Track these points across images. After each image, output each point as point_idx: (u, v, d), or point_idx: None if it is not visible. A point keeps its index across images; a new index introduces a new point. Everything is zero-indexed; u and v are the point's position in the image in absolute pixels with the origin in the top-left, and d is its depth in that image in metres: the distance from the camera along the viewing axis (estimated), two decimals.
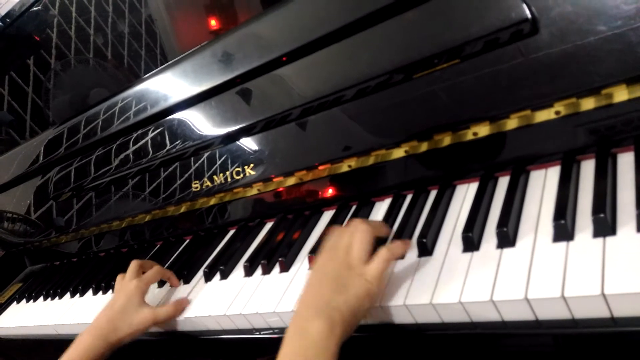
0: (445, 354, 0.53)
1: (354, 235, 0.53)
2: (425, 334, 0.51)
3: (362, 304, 0.49)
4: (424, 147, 0.63)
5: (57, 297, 1.01)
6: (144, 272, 0.77)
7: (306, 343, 0.46)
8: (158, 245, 0.99)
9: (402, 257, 0.56)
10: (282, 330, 0.62)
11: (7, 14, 1.04)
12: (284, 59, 0.72)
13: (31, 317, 1.01)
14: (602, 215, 0.45)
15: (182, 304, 0.72)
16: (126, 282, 0.74)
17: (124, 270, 0.92)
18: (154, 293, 0.81)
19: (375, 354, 0.57)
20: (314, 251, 0.65)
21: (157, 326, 0.73)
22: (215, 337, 0.69)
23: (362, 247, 0.52)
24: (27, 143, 1.14)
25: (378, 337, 0.54)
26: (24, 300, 1.10)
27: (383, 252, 0.52)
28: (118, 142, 0.96)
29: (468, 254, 0.52)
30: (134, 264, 0.77)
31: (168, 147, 0.88)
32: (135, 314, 0.70)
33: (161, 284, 0.82)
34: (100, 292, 0.92)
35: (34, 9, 1.01)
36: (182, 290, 0.77)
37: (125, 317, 0.69)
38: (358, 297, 0.49)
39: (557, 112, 0.54)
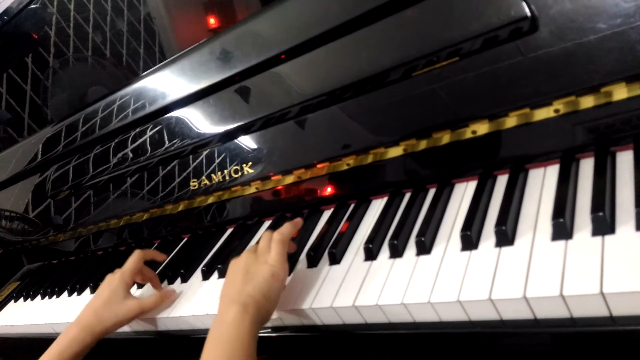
0: (443, 353, 0.52)
1: (261, 238, 0.63)
2: (423, 333, 0.51)
3: (271, 285, 0.56)
4: (422, 145, 0.63)
5: (54, 296, 1.01)
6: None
7: (223, 328, 0.52)
8: (156, 244, 0.99)
9: (295, 235, 0.65)
10: (279, 328, 0.62)
11: (5, 12, 1.03)
12: (283, 56, 0.72)
13: (28, 315, 1.00)
14: (601, 213, 0.45)
15: (168, 294, 0.74)
16: (113, 275, 0.75)
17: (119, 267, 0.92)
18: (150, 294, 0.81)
19: (375, 353, 0.57)
20: (312, 249, 0.65)
21: (148, 323, 0.73)
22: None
23: (264, 241, 0.62)
24: (25, 141, 1.14)
25: (377, 336, 0.54)
26: (22, 299, 1.10)
27: (275, 236, 0.61)
28: (116, 140, 0.95)
29: (466, 253, 0.52)
30: (134, 254, 0.77)
31: (166, 145, 0.87)
32: (121, 305, 0.71)
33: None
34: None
35: (32, 6, 1.01)
36: (180, 289, 0.77)
37: (111, 308, 0.71)
38: (265, 280, 0.56)
39: (556, 111, 0.54)
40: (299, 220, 0.66)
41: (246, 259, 0.60)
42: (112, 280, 0.74)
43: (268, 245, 0.61)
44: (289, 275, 0.64)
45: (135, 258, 0.76)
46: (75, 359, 0.69)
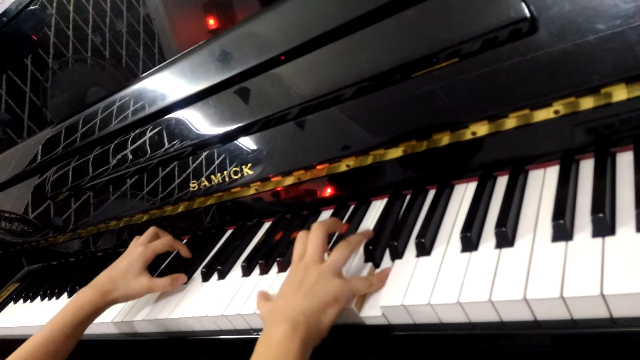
0: (443, 355, 0.52)
1: (308, 239, 0.56)
2: (422, 335, 0.51)
3: (329, 309, 0.50)
4: (422, 146, 0.63)
5: (54, 297, 1.01)
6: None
7: (270, 346, 0.48)
8: None
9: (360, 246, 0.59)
10: None
11: (4, 13, 1.03)
12: (282, 57, 0.72)
13: (28, 317, 1.00)
14: (601, 214, 0.45)
15: (179, 279, 0.75)
16: (134, 246, 0.77)
17: None
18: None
19: (373, 355, 0.57)
20: None
21: (148, 324, 0.74)
22: (213, 337, 0.68)
23: (314, 248, 0.55)
24: (24, 142, 1.14)
25: (375, 338, 0.54)
26: (21, 300, 1.10)
27: (339, 245, 0.54)
28: (116, 142, 0.95)
29: (466, 254, 0.52)
30: (151, 230, 0.80)
31: (166, 147, 0.87)
32: (134, 279, 0.73)
33: None
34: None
35: (31, 7, 1.01)
36: (180, 290, 0.77)
37: (125, 279, 0.73)
38: (323, 302, 0.50)
39: (556, 112, 0.54)
40: (369, 231, 0.60)
41: (300, 273, 0.53)
42: (133, 252, 0.75)
43: (317, 251, 0.54)
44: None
45: (165, 242, 0.78)
46: (86, 320, 0.71)
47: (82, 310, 0.70)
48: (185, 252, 0.82)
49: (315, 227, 0.57)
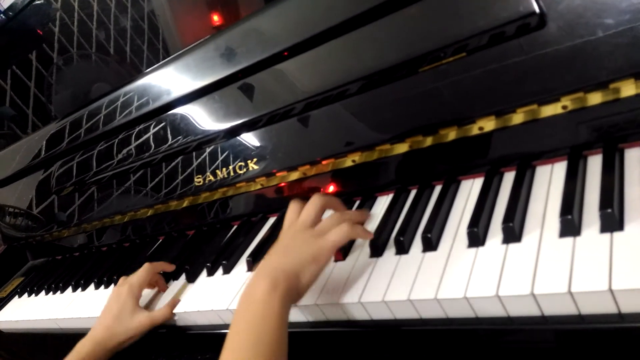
0: (449, 351, 0.52)
1: (305, 207, 0.57)
2: (429, 330, 0.51)
3: (307, 267, 0.52)
4: (428, 141, 0.63)
5: (58, 291, 1.01)
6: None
7: (251, 302, 0.50)
8: (160, 240, 0.99)
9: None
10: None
11: (10, 7, 1.03)
12: (288, 52, 0.72)
13: (33, 311, 1.01)
14: (609, 210, 0.45)
15: (175, 303, 0.73)
16: (119, 288, 0.75)
17: (125, 264, 0.93)
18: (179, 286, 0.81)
19: (379, 351, 0.57)
20: None
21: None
22: (218, 331, 0.68)
23: (309, 213, 0.56)
24: (29, 137, 1.14)
25: (381, 333, 0.54)
26: (26, 295, 1.10)
27: (344, 226, 0.54)
28: (120, 137, 0.95)
29: (473, 250, 0.52)
30: (144, 267, 0.76)
31: (170, 142, 0.87)
32: (131, 319, 0.71)
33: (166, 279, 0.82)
34: (102, 287, 0.92)
35: (36, 2, 1.01)
36: (185, 285, 0.77)
37: (122, 323, 0.71)
38: (303, 260, 0.52)
39: (564, 107, 0.54)
40: (371, 234, 0.59)
41: (295, 232, 0.55)
42: (120, 294, 0.74)
43: (310, 217, 0.56)
44: None
45: (145, 272, 0.76)
46: None
47: None
48: (168, 268, 0.80)
49: (315, 198, 0.57)
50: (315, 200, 0.57)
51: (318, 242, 0.53)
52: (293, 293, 0.51)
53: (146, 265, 0.77)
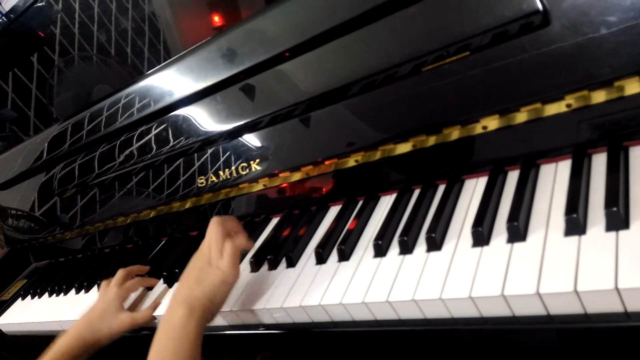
0: (454, 350, 0.52)
1: (210, 235, 0.63)
2: (434, 330, 0.51)
3: (219, 290, 0.60)
4: (432, 141, 0.63)
5: (62, 293, 1.01)
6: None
7: (170, 327, 0.57)
8: (163, 241, 0.98)
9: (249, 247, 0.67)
10: (288, 326, 0.61)
11: (11, 10, 1.03)
12: (289, 53, 0.72)
13: (36, 313, 1.01)
14: (615, 208, 0.44)
15: (157, 305, 0.77)
16: (108, 288, 0.79)
17: (128, 266, 0.92)
18: (160, 289, 0.81)
19: (383, 351, 0.57)
20: (320, 246, 0.65)
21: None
22: (219, 332, 0.68)
23: (215, 244, 0.62)
24: (31, 140, 1.14)
25: (386, 334, 0.54)
26: (29, 297, 1.10)
27: (228, 246, 0.62)
28: (122, 138, 0.95)
29: (478, 249, 0.51)
30: (120, 272, 0.81)
31: (172, 143, 0.87)
32: (114, 319, 0.75)
33: (167, 280, 0.82)
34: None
35: (38, 4, 1.01)
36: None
37: (104, 321, 0.75)
38: (214, 285, 0.59)
39: (568, 105, 0.54)
40: (250, 243, 0.67)
41: (199, 263, 0.62)
42: (107, 293, 0.78)
43: (220, 248, 0.62)
44: (298, 272, 0.64)
45: (136, 282, 0.81)
46: None
47: (61, 358, 0.72)
48: (143, 270, 0.85)
49: (213, 228, 0.64)
50: (214, 233, 0.63)
51: (220, 266, 0.60)
52: (207, 315, 0.59)
53: (138, 279, 0.82)
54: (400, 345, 0.55)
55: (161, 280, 0.82)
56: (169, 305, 0.60)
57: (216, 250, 0.62)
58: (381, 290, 0.53)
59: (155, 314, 0.75)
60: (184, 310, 0.57)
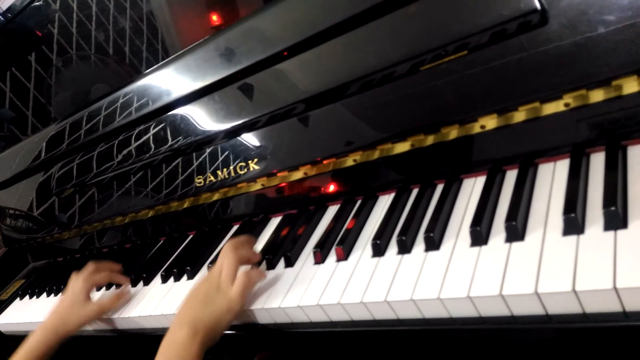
0: (453, 350, 0.52)
1: (223, 261, 0.63)
2: (432, 329, 0.50)
3: (223, 317, 0.60)
4: (430, 140, 0.63)
5: (60, 294, 1.01)
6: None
7: (172, 348, 0.57)
8: (161, 241, 0.98)
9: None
10: (287, 325, 0.61)
11: (9, 9, 1.03)
12: (287, 52, 0.72)
13: (34, 313, 1.00)
14: (613, 208, 0.44)
15: (123, 293, 0.82)
16: (74, 281, 0.83)
17: (126, 266, 0.92)
18: (159, 289, 0.81)
19: (381, 351, 0.57)
20: (319, 246, 0.65)
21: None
22: None
23: (228, 271, 0.62)
24: (28, 139, 1.14)
25: (384, 333, 0.54)
26: (27, 297, 1.10)
27: (241, 278, 0.62)
28: (120, 138, 0.95)
29: (476, 249, 0.51)
30: (89, 265, 0.86)
31: (171, 142, 0.87)
32: (82, 308, 0.80)
33: (165, 279, 0.82)
34: (104, 288, 0.92)
35: (35, 4, 1.00)
36: (186, 286, 0.77)
37: (73, 311, 0.80)
38: (220, 312, 0.60)
39: (566, 104, 0.54)
40: (264, 273, 0.66)
41: (208, 286, 0.62)
42: (75, 287, 0.82)
43: (232, 276, 0.62)
44: (297, 272, 0.64)
45: (104, 277, 0.85)
46: (41, 359, 0.77)
47: (35, 351, 0.76)
48: (124, 281, 0.86)
49: (229, 254, 0.63)
50: (229, 260, 0.63)
51: (229, 294, 0.61)
52: (210, 339, 0.59)
53: (107, 272, 0.86)
54: (399, 345, 0.54)
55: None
56: (172, 325, 0.60)
57: (228, 277, 0.62)
58: (379, 290, 0.53)
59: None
60: (187, 331, 0.57)
